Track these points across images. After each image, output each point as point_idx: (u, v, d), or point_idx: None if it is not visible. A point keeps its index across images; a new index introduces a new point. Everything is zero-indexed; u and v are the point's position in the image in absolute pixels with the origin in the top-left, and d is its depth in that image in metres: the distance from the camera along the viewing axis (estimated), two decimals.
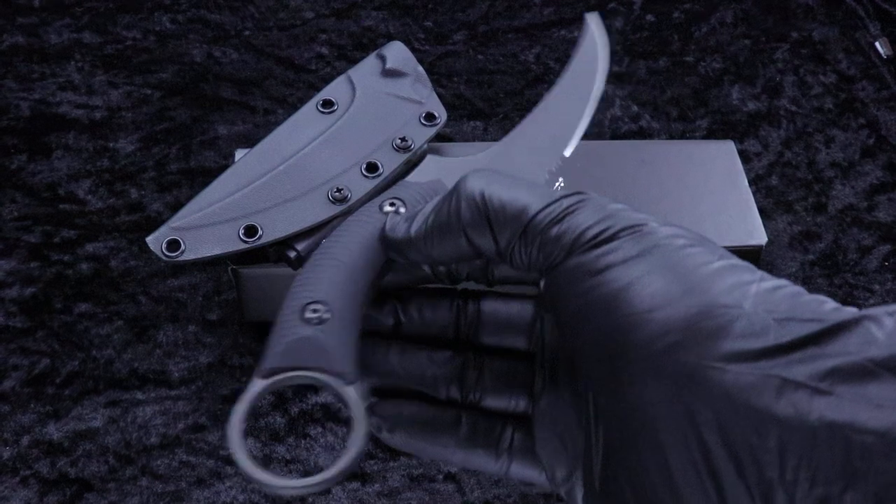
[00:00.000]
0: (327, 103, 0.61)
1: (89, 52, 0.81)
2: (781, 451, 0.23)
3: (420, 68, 0.64)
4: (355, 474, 0.57)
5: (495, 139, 0.65)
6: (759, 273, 0.26)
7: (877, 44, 0.87)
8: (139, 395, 0.59)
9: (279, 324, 0.30)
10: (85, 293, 0.64)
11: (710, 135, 0.79)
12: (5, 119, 0.75)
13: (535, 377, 0.33)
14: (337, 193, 0.56)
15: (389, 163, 0.58)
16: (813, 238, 0.72)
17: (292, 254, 0.55)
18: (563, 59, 0.84)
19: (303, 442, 0.58)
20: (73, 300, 0.64)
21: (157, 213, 0.69)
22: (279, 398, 0.60)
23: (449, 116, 0.63)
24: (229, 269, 0.58)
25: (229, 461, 0.57)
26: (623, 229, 0.27)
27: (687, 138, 0.78)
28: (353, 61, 0.71)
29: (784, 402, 0.23)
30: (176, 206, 0.61)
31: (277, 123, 0.61)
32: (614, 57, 0.84)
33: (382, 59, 0.63)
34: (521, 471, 0.32)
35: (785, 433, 0.23)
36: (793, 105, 0.81)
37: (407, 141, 0.59)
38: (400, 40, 0.65)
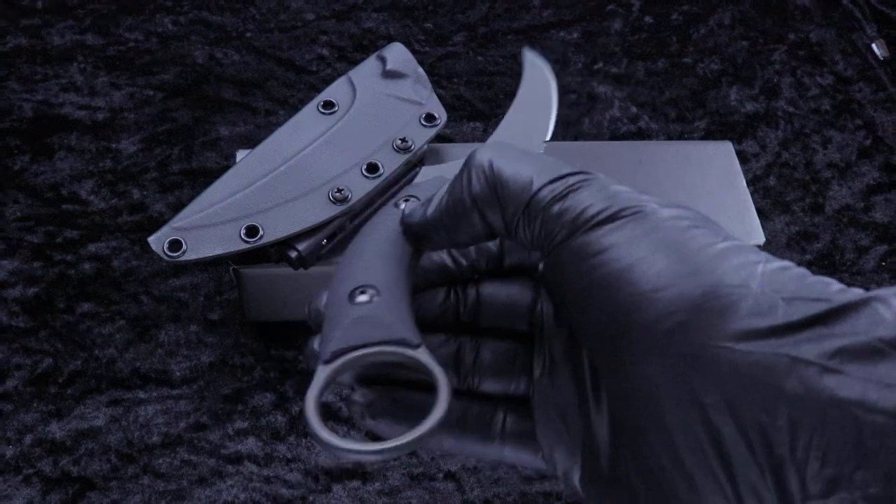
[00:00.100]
0: (328, 104, 0.61)
1: (92, 53, 0.81)
2: (792, 430, 0.23)
3: (420, 70, 0.64)
4: (355, 473, 0.57)
5: None
6: (764, 254, 0.26)
7: (873, 45, 0.88)
8: (141, 395, 0.60)
9: (330, 315, 0.29)
10: (87, 293, 0.64)
11: (709, 135, 0.79)
12: (8, 120, 0.75)
13: (534, 359, 0.32)
14: (338, 194, 0.56)
15: (390, 163, 0.59)
16: (810, 238, 0.72)
17: (293, 254, 0.56)
18: (563, 60, 0.84)
19: (304, 441, 0.58)
20: (75, 300, 0.64)
21: (159, 213, 0.69)
22: (280, 397, 0.60)
23: (449, 117, 0.63)
24: (231, 268, 0.58)
25: (230, 460, 0.57)
26: (625, 209, 0.27)
27: (685, 139, 0.78)
28: (354, 63, 0.71)
29: (794, 380, 0.23)
30: (178, 207, 0.61)
31: (278, 124, 0.62)
32: (613, 58, 0.85)
33: (383, 60, 0.64)
34: (516, 455, 0.32)
35: (795, 411, 0.23)
36: (790, 106, 0.82)
37: (407, 141, 0.59)
38: (400, 42, 0.66)
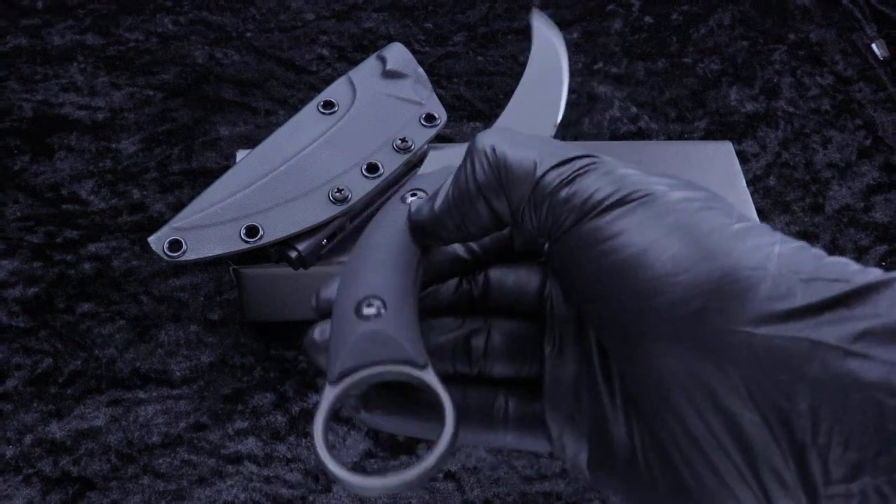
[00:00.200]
0: (328, 104, 0.61)
1: (92, 53, 0.81)
2: (813, 415, 0.22)
3: (420, 70, 0.64)
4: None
5: None
6: (779, 234, 0.25)
7: (873, 45, 0.88)
8: (141, 395, 0.60)
9: (336, 327, 0.29)
10: (87, 293, 0.64)
11: (709, 135, 0.79)
12: (8, 120, 0.75)
13: (545, 339, 0.31)
14: (337, 194, 0.56)
15: (390, 163, 0.59)
16: (810, 238, 0.72)
17: (293, 254, 0.56)
18: None
19: (303, 441, 0.58)
20: (75, 300, 0.64)
21: (159, 213, 0.69)
22: (280, 397, 0.60)
23: (449, 117, 0.63)
24: (230, 268, 0.58)
25: (230, 460, 0.57)
26: (634, 192, 0.26)
27: (685, 139, 0.78)
28: (354, 63, 0.71)
29: (815, 365, 0.22)
30: (178, 207, 0.61)
31: (278, 124, 0.62)
32: (613, 58, 0.85)
33: (383, 60, 0.64)
34: (520, 440, 0.31)
35: (817, 396, 0.22)
36: (790, 106, 0.82)
37: (407, 142, 0.59)
38: (400, 42, 0.66)
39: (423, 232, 0.31)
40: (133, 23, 0.84)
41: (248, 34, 0.85)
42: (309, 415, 0.60)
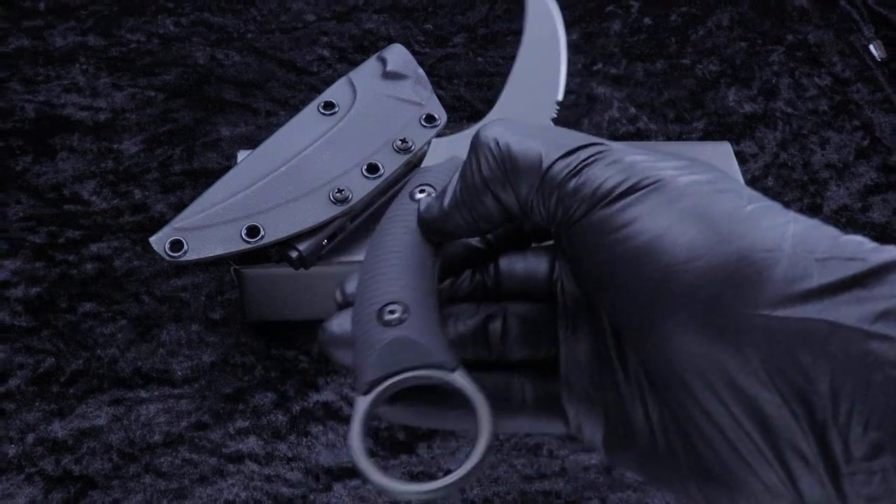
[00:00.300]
0: (328, 105, 0.62)
1: (94, 54, 0.82)
2: (833, 395, 0.22)
3: (420, 70, 0.64)
4: (356, 472, 0.58)
5: None
6: (792, 213, 0.25)
7: (871, 46, 0.88)
8: (143, 394, 0.60)
9: (360, 336, 0.28)
10: (89, 293, 0.65)
11: (707, 136, 0.79)
12: (10, 121, 0.76)
13: (559, 320, 0.31)
14: (338, 194, 0.57)
15: (390, 164, 0.59)
16: None
17: (294, 254, 0.56)
18: None
19: (304, 440, 0.59)
20: (77, 300, 0.64)
21: (161, 213, 0.69)
22: (281, 396, 0.61)
23: (449, 118, 0.64)
24: (232, 269, 0.59)
25: (231, 459, 0.58)
26: (644, 180, 0.26)
27: (684, 140, 0.79)
28: (355, 64, 0.71)
29: (834, 346, 0.22)
30: (179, 207, 0.61)
31: (279, 125, 0.62)
32: (612, 59, 0.85)
33: (383, 61, 0.64)
34: (534, 423, 0.31)
35: (836, 377, 0.22)
36: (788, 107, 0.82)
37: (407, 142, 0.60)
38: (400, 43, 0.66)
39: (434, 230, 0.31)
40: (135, 24, 0.85)
41: (249, 35, 0.85)
42: (310, 414, 0.60)
